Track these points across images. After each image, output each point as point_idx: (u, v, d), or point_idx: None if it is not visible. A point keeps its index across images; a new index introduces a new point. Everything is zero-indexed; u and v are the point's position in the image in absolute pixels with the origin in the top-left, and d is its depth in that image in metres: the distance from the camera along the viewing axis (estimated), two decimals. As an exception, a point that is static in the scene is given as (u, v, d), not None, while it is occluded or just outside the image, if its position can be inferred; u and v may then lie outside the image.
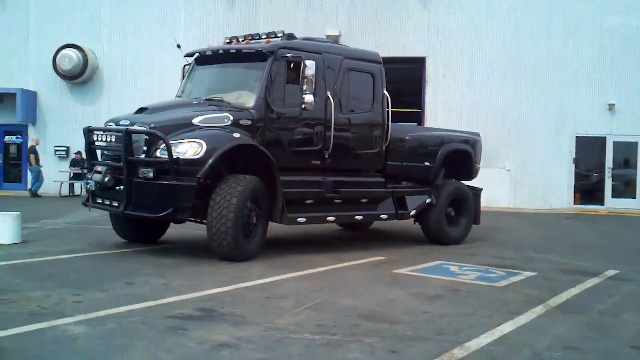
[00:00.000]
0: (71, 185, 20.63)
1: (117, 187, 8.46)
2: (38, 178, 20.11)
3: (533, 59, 20.03)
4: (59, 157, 21.34)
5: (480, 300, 6.73)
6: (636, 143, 19.88)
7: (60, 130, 21.48)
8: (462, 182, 11.64)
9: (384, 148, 10.32)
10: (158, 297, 6.21)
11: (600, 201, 20.08)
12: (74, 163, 20.42)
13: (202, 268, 7.97)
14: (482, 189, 11.94)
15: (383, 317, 5.85)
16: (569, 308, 6.54)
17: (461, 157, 11.49)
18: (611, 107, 19.76)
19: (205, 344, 4.82)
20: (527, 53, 20.04)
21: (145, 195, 8.29)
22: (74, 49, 20.85)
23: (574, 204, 20.00)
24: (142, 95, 20.32)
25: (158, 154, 8.21)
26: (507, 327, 5.62)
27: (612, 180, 20.17)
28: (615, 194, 20.16)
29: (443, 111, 20.05)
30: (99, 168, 8.86)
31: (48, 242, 9.84)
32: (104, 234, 11.05)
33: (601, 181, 20.23)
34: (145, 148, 8.32)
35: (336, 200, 9.70)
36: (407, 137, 10.78)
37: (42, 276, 7.18)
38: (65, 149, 21.38)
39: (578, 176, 20.22)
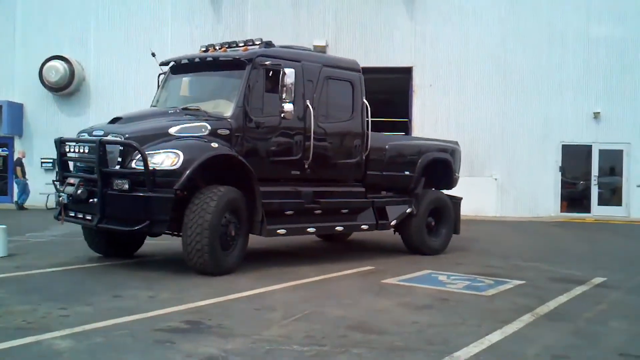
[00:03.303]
0: (58, 198, 20.47)
1: (91, 200, 8.12)
2: (24, 191, 19.96)
3: (520, 68, 20.20)
4: (45, 169, 21.16)
5: (468, 309, 6.74)
6: (621, 151, 20.06)
7: (47, 142, 21.07)
8: (442, 191, 11.54)
9: (363, 157, 10.16)
10: (145, 310, 6.16)
11: (587, 209, 20.21)
12: (60, 175, 20.27)
13: (189, 280, 7.91)
14: (461, 198, 11.79)
15: (372, 327, 5.84)
16: (557, 316, 6.57)
17: (441, 166, 11.39)
18: (596, 115, 19.94)
19: (193, 356, 4.78)
20: (513, 63, 20.21)
21: (120, 208, 7.99)
22: (60, 61, 20.76)
23: (561, 212, 20.12)
24: (131, 108, 20.18)
25: (133, 164, 7.92)
26: (495, 337, 5.62)
27: (598, 188, 20.33)
28: (602, 202, 20.32)
29: (430, 121, 20.12)
30: (72, 180, 8.54)
31: (34, 256, 9.75)
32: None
33: (587, 189, 20.39)
34: (120, 159, 8.02)
35: (316, 211, 9.51)
36: (386, 147, 10.65)
37: (27, 290, 7.11)
38: (51, 161, 21.18)
39: (564, 184, 20.35)
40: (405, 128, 20.99)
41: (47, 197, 19.72)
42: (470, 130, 19.50)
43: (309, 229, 9.53)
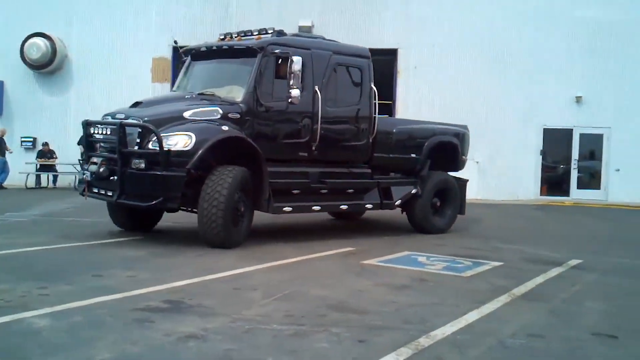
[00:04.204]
0: (38, 177, 20.31)
1: (112, 178, 8.78)
2: (3, 169, 19.75)
3: (504, 51, 20.24)
4: (25, 148, 20.93)
5: (447, 290, 6.83)
6: (602, 135, 20.26)
7: (27, 121, 21.07)
8: (449, 173, 11.93)
9: (370, 140, 10.61)
10: (125, 290, 6.17)
11: (566, 192, 20.44)
12: (41, 154, 20.12)
13: (170, 260, 7.94)
14: (467, 180, 12.30)
15: (351, 307, 5.90)
16: (534, 297, 6.68)
17: (447, 149, 11.82)
18: (578, 99, 20.09)
19: (172, 335, 4.81)
20: (498, 45, 20.23)
21: (137, 185, 8.62)
22: (42, 38, 20.41)
23: (541, 195, 20.32)
24: (113, 88, 20.13)
25: (150, 146, 8.50)
26: (472, 316, 5.72)
27: (578, 172, 20.54)
28: (581, 186, 20.54)
29: (414, 103, 20.15)
30: (95, 159, 9.09)
31: (13, 235, 9.69)
32: (71, 226, 10.95)
33: (567, 173, 20.59)
34: (138, 140, 8.59)
35: (322, 191, 10.02)
36: (394, 130, 11.12)
37: (7, 269, 7.08)
38: (32, 140, 21.00)
39: (545, 168, 20.54)
40: (389, 110, 21.00)
41: (27, 176, 19.60)
42: (453, 113, 19.48)
43: (314, 207, 9.98)
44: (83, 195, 9.43)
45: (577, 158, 20.45)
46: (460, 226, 12.15)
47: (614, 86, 20.08)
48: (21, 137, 21.01)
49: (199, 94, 9.57)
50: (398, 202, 10.98)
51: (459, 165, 12.25)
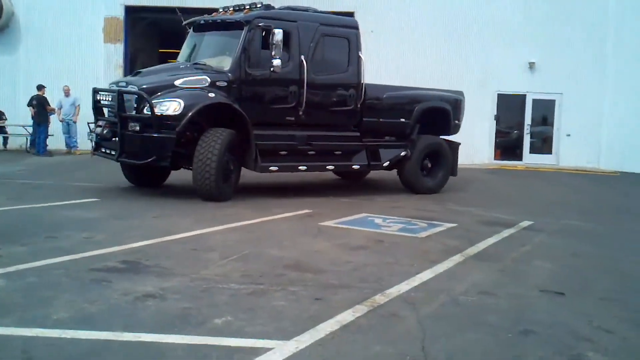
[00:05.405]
0: (-11, 140, 19.70)
1: (114, 139, 9.79)
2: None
3: (461, 16, 20.24)
4: (-26, 109, 20.25)
5: (402, 250, 6.98)
6: (554, 101, 20.66)
7: (-26, 80, 20.35)
8: (440, 137, 12.50)
9: (358, 106, 11.30)
10: (81, 251, 6.13)
11: (519, 157, 20.84)
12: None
13: (127, 222, 7.88)
14: (459, 144, 12.93)
15: (308, 267, 5.99)
16: (485, 257, 6.89)
17: (438, 114, 12.40)
18: (531, 65, 20.36)
19: (130, 294, 4.83)
20: (455, 10, 20.23)
21: (134, 145, 9.58)
22: (-14, -5, 19.60)
23: (495, 159, 20.69)
24: (64, 47, 19.52)
25: (145, 111, 9.42)
26: (426, 275, 5.87)
27: (531, 137, 20.96)
28: (533, 150, 20.96)
29: (372, 68, 19.99)
30: (100, 123, 10.35)
31: (-37, 197, 9.45)
32: (22, 188, 10.73)
33: (520, 138, 21.00)
34: (135, 106, 9.62)
35: (310, 152, 10.80)
36: (384, 96, 11.72)
37: (-43, 231, 6.93)
38: (-20, 100, 20.31)
39: (498, 133, 20.88)
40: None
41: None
42: (411, 77, 19.56)
43: (300, 167, 10.77)
44: (94, 154, 10.72)
45: (530, 123, 20.85)
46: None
47: (567, 53, 20.40)
48: (-30, 99, 20.28)
49: (193, 64, 10.44)
50: (386, 164, 11.68)
51: (451, 129, 12.78)
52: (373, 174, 13.58)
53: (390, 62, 20.16)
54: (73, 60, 19.61)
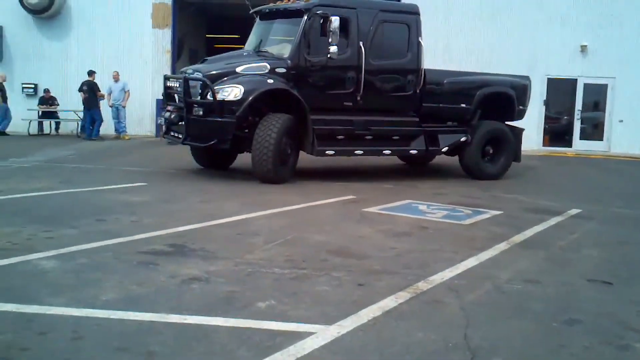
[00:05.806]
0: (40, 124, 20.24)
1: (180, 123, 10.32)
2: (5, 116, 19.67)
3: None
4: (26, 94, 20.81)
5: (446, 237, 6.92)
6: (606, 85, 20.07)
7: (28, 67, 20.87)
8: (502, 122, 12.37)
9: (417, 91, 11.42)
10: (129, 234, 6.27)
11: (569, 143, 20.35)
12: (42, 101, 20.01)
13: (172, 206, 8.03)
14: (523, 129, 12.87)
15: (351, 252, 6.00)
16: (531, 244, 6.77)
17: (502, 99, 12.32)
18: (583, 48, 19.81)
19: (176, 277, 4.92)
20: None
21: (197, 129, 10.09)
22: (39, -18, 20.05)
23: (543, 145, 20.27)
24: (113, 33, 19.90)
25: (208, 96, 9.89)
26: (470, 262, 5.82)
27: (581, 123, 20.43)
28: (584, 136, 20.45)
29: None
30: (169, 107, 10.89)
31: (17, 180, 9.76)
32: (73, 172, 11.02)
33: (570, 123, 20.49)
34: (200, 91, 10.07)
35: (367, 137, 10.99)
36: (444, 81, 11.80)
37: (12, 213, 7.17)
38: (33, 86, 20.83)
39: (547, 118, 20.41)
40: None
41: (29, 123, 19.58)
42: (456, 62, 19.30)
43: (356, 152, 11.00)
44: (164, 137, 11.42)
45: (581, 109, 20.31)
46: (462, 176, 12.21)
47: (620, 36, 19.78)
48: (22, 84, 20.88)
49: (255, 51, 10.93)
50: (445, 149, 11.72)
51: (515, 115, 12.63)
52: (438, 161, 13.66)
53: (435, 45, 19.81)
54: (122, 46, 19.98)
